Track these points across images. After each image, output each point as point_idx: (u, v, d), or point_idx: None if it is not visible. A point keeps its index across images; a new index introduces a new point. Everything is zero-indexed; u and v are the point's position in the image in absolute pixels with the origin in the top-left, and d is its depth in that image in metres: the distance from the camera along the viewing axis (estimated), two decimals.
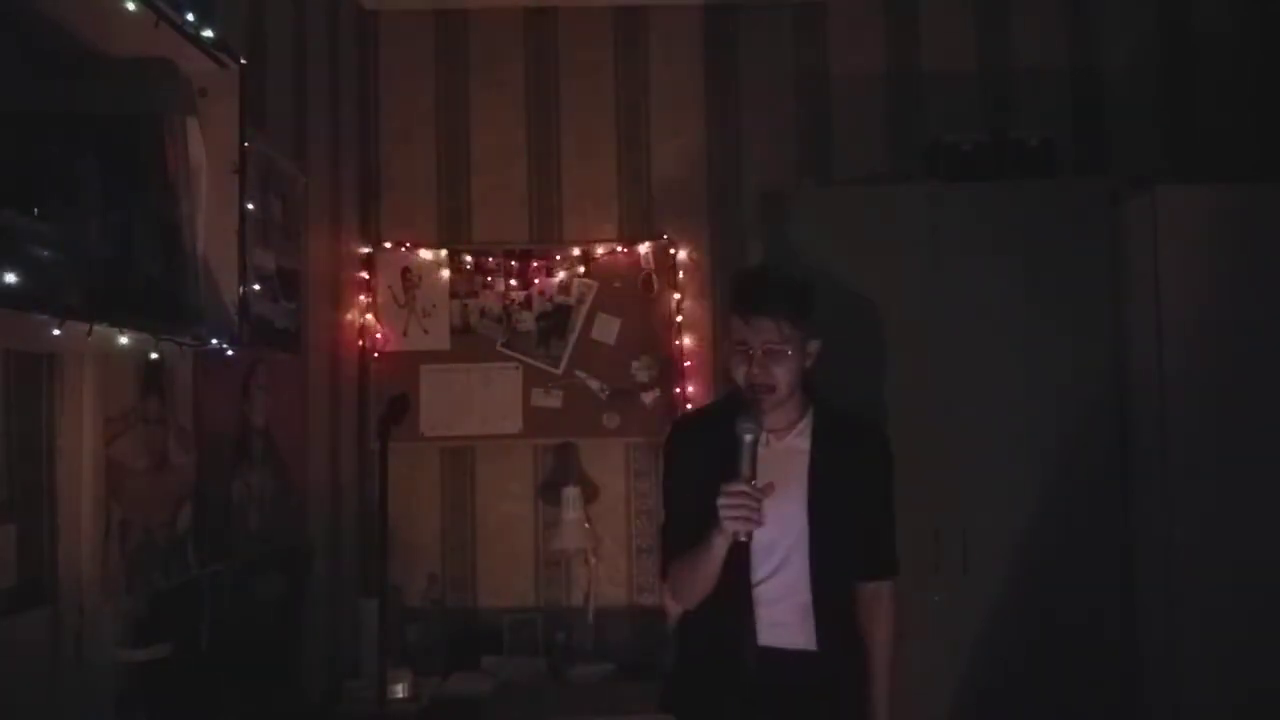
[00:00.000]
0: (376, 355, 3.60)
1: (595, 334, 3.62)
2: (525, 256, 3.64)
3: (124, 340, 1.77)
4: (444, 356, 3.61)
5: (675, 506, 2.22)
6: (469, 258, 3.63)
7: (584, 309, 3.62)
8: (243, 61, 2.05)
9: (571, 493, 3.42)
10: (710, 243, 3.66)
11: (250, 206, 2.27)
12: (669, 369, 3.59)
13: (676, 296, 3.61)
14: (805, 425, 2.18)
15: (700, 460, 2.09)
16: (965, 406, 3.11)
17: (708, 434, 2.12)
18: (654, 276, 3.62)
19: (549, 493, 3.57)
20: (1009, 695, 3.05)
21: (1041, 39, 3.67)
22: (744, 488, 1.96)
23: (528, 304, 3.63)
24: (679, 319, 3.61)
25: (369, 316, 3.60)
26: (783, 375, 2.08)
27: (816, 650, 2.13)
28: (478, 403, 3.60)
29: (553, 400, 3.60)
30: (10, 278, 1.37)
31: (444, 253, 3.64)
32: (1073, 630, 3.05)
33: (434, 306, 3.62)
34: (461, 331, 3.62)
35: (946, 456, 3.10)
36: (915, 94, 3.67)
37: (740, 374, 2.10)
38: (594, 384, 3.60)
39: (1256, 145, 3.59)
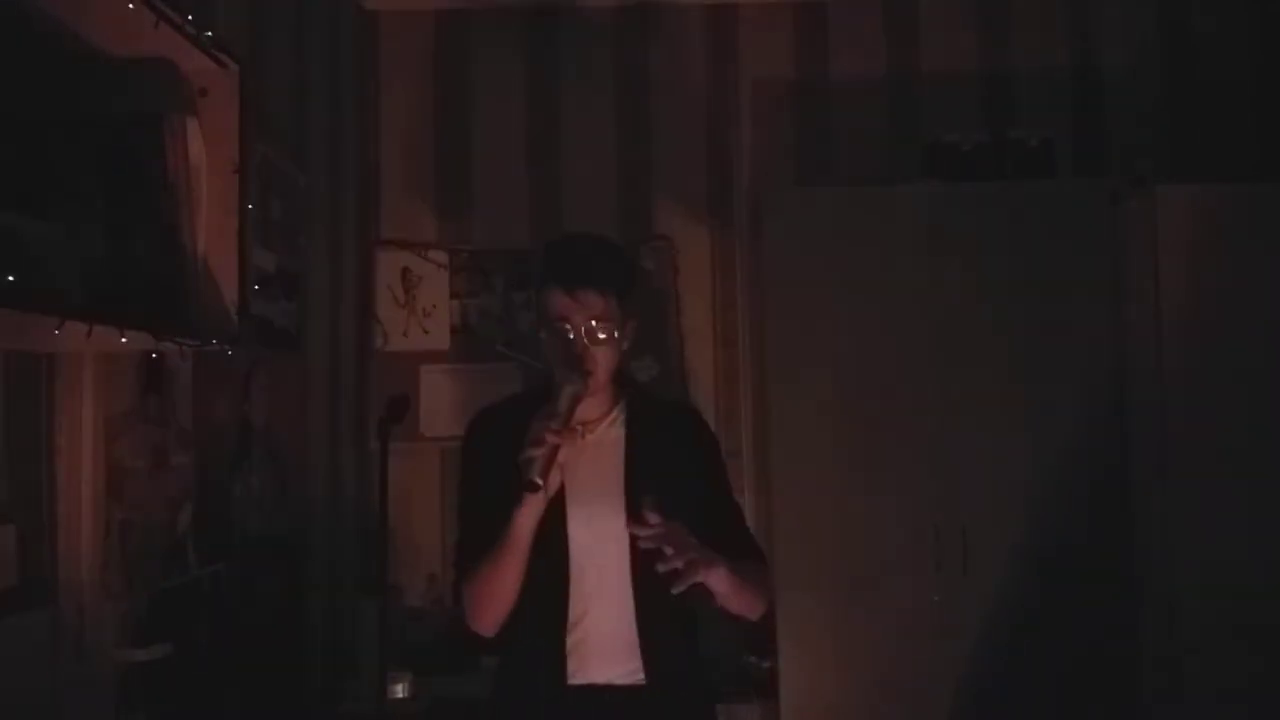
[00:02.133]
0: (376, 355, 3.60)
1: None
2: (525, 256, 3.63)
3: (124, 340, 1.77)
4: (444, 356, 3.61)
5: (473, 512, 1.88)
6: (469, 258, 3.63)
7: None
8: (243, 61, 2.05)
9: None
10: (710, 243, 3.66)
11: (250, 206, 2.27)
12: (669, 369, 3.59)
13: (677, 296, 3.61)
14: (618, 414, 1.93)
15: (505, 460, 1.76)
16: (965, 406, 3.11)
17: (513, 430, 1.78)
18: (654, 276, 3.62)
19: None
20: (1009, 695, 3.05)
21: (1041, 39, 3.67)
22: (553, 424, 1.70)
23: (528, 304, 3.63)
24: (679, 319, 3.61)
25: (370, 317, 3.60)
26: (604, 359, 1.83)
27: (645, 684, 1.82)
28: (478, 403, 3.58)
29: None
30: (10, 278, 1.37)
31: (444, 253, 3.64)
32: (1073, 630, 3.05)
33: (434, 306, 3.62)
34: (461, 331, 3.62)
35: (946, 456, 3.10)
36: (915, 94, 3.66)
37: (558, 354, 1.84)
38: None
39: (1256, 145, 3.59)
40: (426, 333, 3.62)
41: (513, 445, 1.74)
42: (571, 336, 1.83)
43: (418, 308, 3.63)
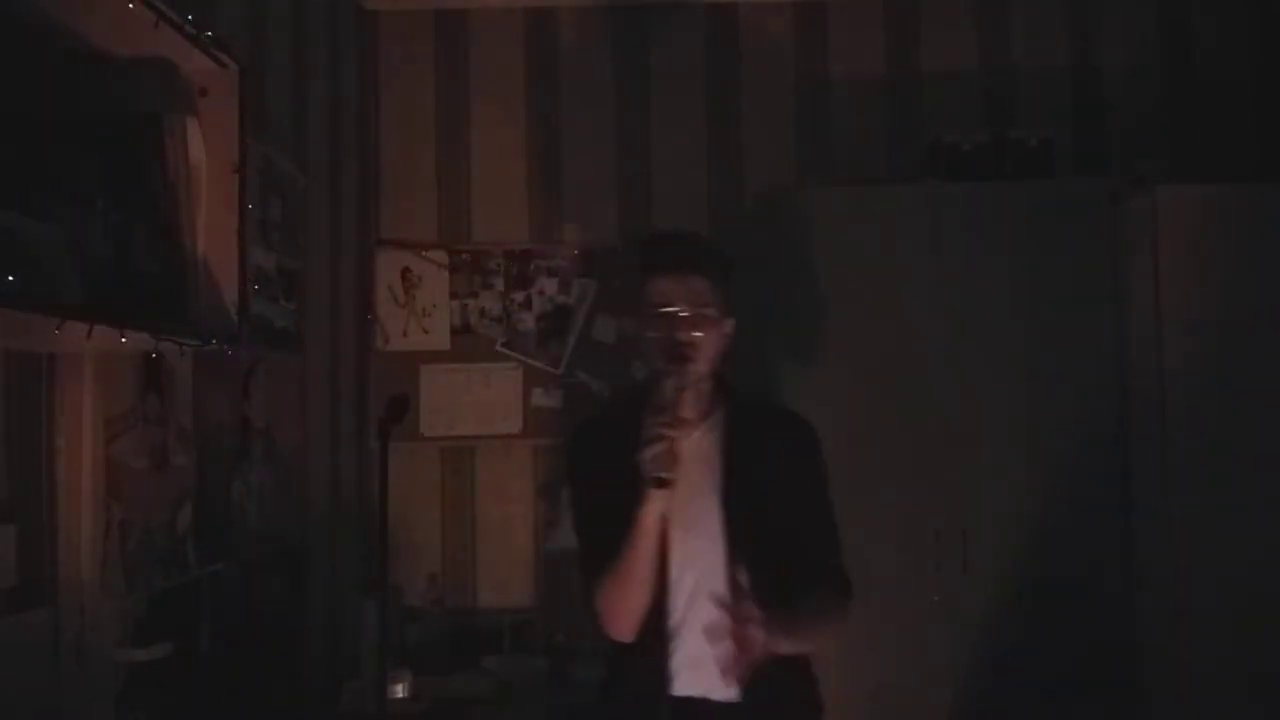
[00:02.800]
0: (376, 355, 3.60)
1: (595, 334, 3.62)
2: (525, 256, 3.64)
3: (124, 340, 1.77)
4: (444, 356, 3.61)
5: (592, 523, 1.87)
6: (469, 258, 3.63)
7: (584, 309, 3.62)
8: (243, 61, 2.05)
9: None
10: None
11: (250, 206, 2.27)
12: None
13: None
14: (718, 419, 1.89)
15: (614, 466, 1.76)
16: (965, 406, 3.11)
17: (619, 434, 1.78)
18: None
19: (549, 493, 3.57)
20: (1009, 695, 3.05)
21: (1041, 39, 3.67)
22: (663, 419, 1.69)
23: (528, 304, 3.63)
24: None
25: (369, 317, 3.60)
26: (707, 345, 1.81)
27: (739, 701, 1.76)
28: (478, 403, 3.60)
29: (553, 400, 3.60)
30: (10, 278, 1.37)
31: (444, 253, 3.64)
32: (1072, 630, 3.05)
33: (434, 306, 3.62)
34: (461, 331, 3.62)
35: (946, 456, 3.10)
36: (915, 94, 3.66)
37: (659, 340, 1.80)
38: (594, 384, 3.60)
39: (1256, 145, 3.59)
40: (426, 333, 3.62)
41: (618, 452, 1.75)
42: (680, 316, 1.80)
43: (418, 308, 3.63)
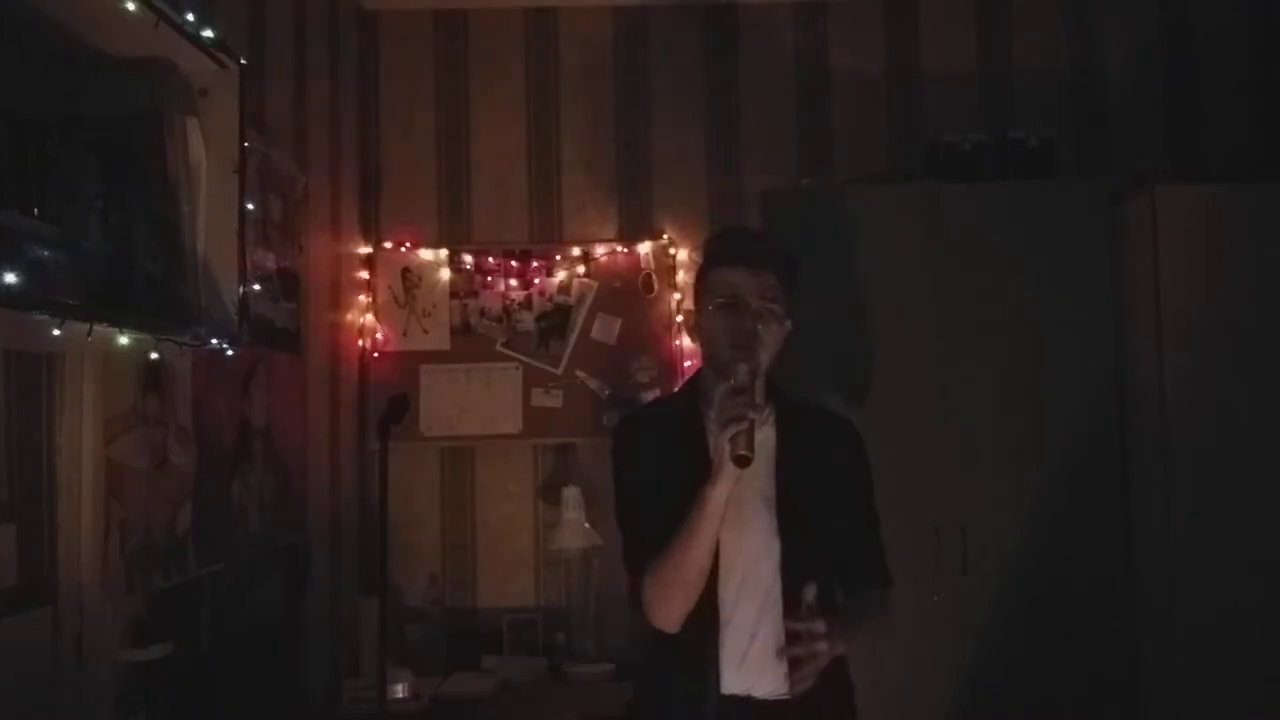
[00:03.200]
0: (376, 355, 3.60)
1: (595, 334, 3.62)
2: (525, 256, 3.64)
3: (124, 340, 1.77)
4: (444, 356, 3.61)
5: (641, 512, 1.86)
6: (469, 258, 3.64)
7: (584, 309, 3.63)
8: (243, 61, 2.05)
9: (571, 493, 3.42)
10: None
11: (250, 206, 2.27)
12: (669, 369, 3.60)
13: (676, 296, 3.61)
14: (768, 415, 1.88)
15: (661, 460, 1.80)
16: (965, 406, 3.11)
17: (667, 429, 1.85)
18: (654, 276, 3.62)
19: (549, 493, 3.57)
20: (1008, 695, 3.05)
21: (1041, 39, 3.67)
22: (743, 400, 1.69)
23: (528, 304, 3.63)
24: (679, 319, 3.61)
25: (369, 316, 3.60)
26: (769, 342, 1.82)
27: (788, 698, 1.75)
28: (478, 403, 3.60)
29: (553, 400, 3.60)
30: (10, 278, 1.37)
31: (444, 253, 3.64)
32: (1072, 630, 3.05)
33: (434, 306, 3.62)
34: (461, 331, 3.62)
35: (946, 456, 3.10)
36: (915, 94, 3.67)
37: (725, 331, 1.81)
38: (594, 384, 3.60)
39: (1256, 145, 3.59)
40: (426, 333, 3.62)
41: (669, 444, 1.81)
42: (749, 307, 1.81)
43: (418, 308, 3.63)
